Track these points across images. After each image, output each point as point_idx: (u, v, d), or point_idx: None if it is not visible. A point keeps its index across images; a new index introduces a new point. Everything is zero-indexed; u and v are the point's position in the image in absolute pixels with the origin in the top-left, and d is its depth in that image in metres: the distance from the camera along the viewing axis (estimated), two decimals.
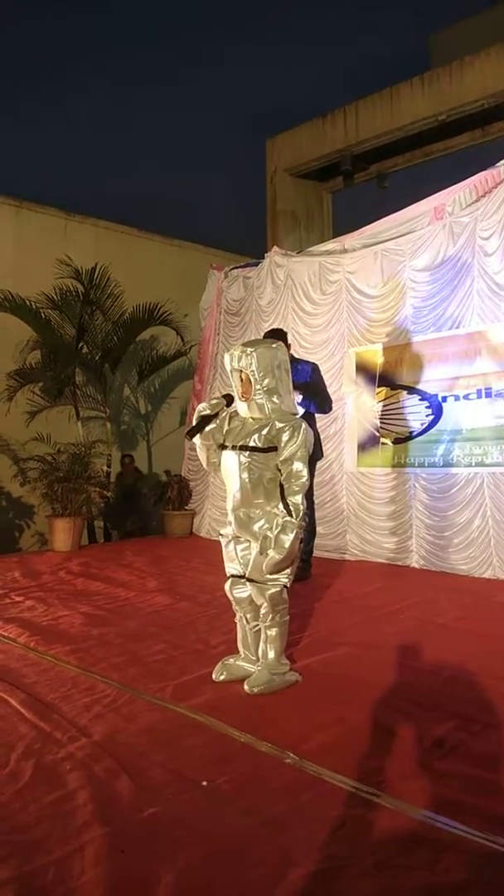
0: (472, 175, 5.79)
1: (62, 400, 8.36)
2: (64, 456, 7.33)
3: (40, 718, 2.69)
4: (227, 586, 3.16)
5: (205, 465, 3.23)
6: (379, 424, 6.34)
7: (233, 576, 3.14)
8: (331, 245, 7.15)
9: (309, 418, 4.78)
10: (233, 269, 8.22)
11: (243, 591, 3.11)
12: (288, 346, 5.30)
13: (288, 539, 2.90)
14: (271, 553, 2.91)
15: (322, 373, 5.43)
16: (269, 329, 5.68)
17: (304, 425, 2.99)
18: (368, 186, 12.41)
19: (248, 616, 3.14)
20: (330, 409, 5.42)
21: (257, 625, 3.12)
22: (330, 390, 5.52)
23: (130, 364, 9.16)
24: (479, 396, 5.64)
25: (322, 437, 5.70)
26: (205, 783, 2.18)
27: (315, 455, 5.13)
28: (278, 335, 5.22)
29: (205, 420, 3.07)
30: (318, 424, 5.25)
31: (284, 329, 5.58)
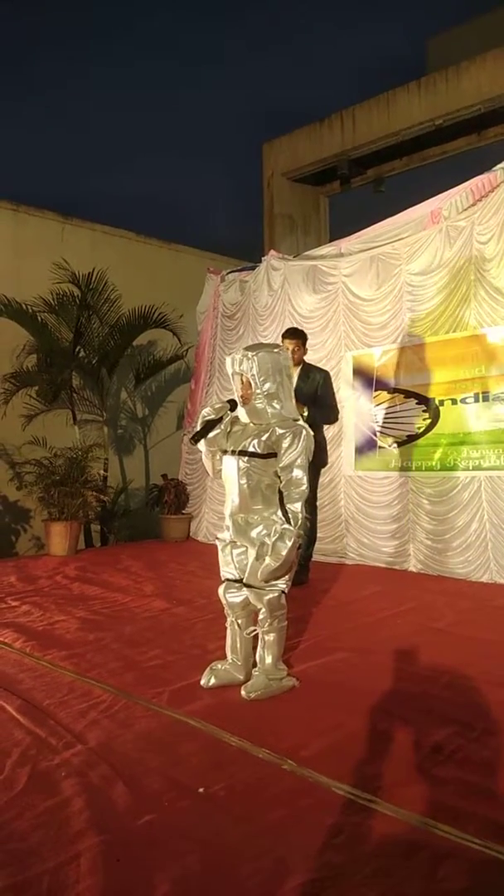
0: (469, 179, 5.80)
1: (59, 404, 8.34)
2: (60, 460, 7.31)
3: (36, 724, 2.67)
4: (221, 590, 3.16)
5: (211, 473, 3.21)
6: (377, 428, 6.34)
7: (228, 580, 3.13)
8: (327, 249, 7.15)
9: (315, 426, 4.76)
10: (230, 272, 8.22)
11: (237, 596, 3.10)
12: (305, 350, 5.28)
13: (285, 547, 2.88)
14: (268, 560, 2.90)
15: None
16: (290, 328, 5.54)
17: (304, 432, 2.98)
18: (365, 190, 12.40)
19: (241, 621, 3.13)
20: (336, 419, 5.42)
21: (254, 629, 3.10)
22: None
23: (127, 368, 9.15)
24: (477, 400, 5.64)
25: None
26: (201, 790, 2.16)
27: (320, 461, 5.11)
28: (299, 336, 5.17)
29: (209, 425, 3.06)
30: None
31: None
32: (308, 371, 5.20)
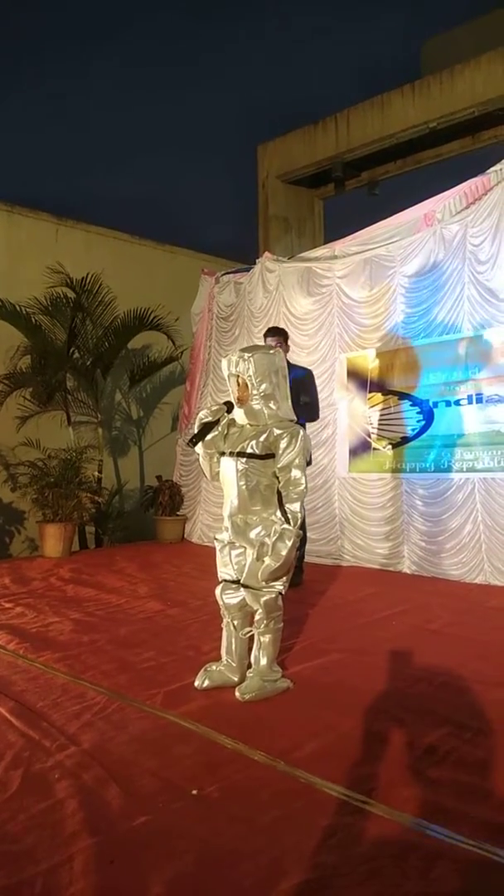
0: (463, 182, 5.83)
1: (53, 405, 8.33)
2: (55, 461, 7.29)
3: (29, 727, 2.66)
4: (217, 591, 3.15)
5: (208, 475, 3.21)
6: (371, 430, 6.35)
7: (225, 581, 3.13)
8: (322, 251, 7.16)
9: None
10: (224, 274, 8.23)
11: (234, 597, 3.10)
12: (287, 348, 5.32)
13: (285, 547, 2.88)
14: (268, 561, 2.90)
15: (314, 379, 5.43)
16: (271, 326, 5.67)
17: (301, 432, 2.99)
18: (360, 193, 12.44)
19: (236, 622, 3.13)
20: (317, 417, 5.41)
21: (250, 630, 3.10)
22: (321, 396, 5.52)
23: (122, 369, 9.14)
24: (470, 402, 5.65)
25: (314, 442, 5.70)
26: (195, 792, 2.16)
27: None
28: (279, 333, 5.22)
29: (206, 427, 3.06)
30: (308, 429, 5.25)
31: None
32: (290, 370, 5.22)
